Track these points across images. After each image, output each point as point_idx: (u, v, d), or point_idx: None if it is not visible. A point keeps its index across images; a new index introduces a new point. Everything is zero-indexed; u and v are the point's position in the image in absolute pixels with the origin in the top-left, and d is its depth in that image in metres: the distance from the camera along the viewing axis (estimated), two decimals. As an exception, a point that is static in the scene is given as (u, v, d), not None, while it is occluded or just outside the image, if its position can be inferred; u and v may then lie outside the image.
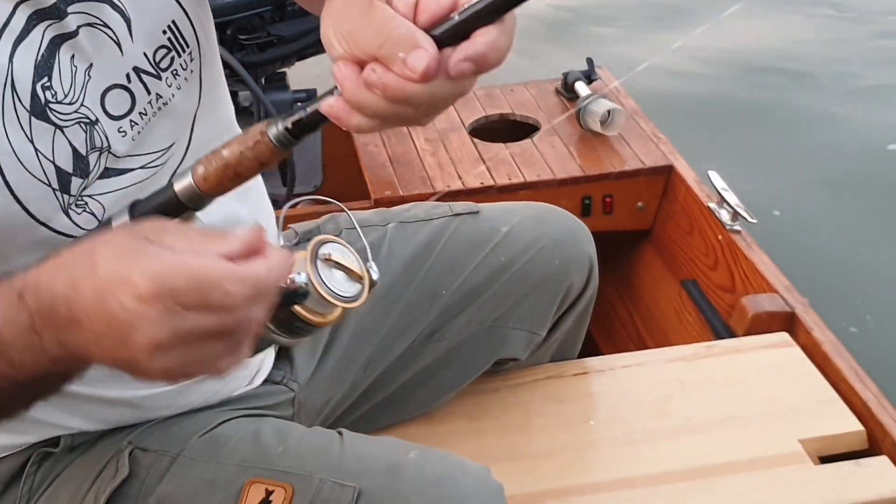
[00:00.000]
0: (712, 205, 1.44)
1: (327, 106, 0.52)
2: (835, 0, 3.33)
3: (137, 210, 0.58)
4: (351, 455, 0.73)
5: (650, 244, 1.64)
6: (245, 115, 1.54)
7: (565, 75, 1.78)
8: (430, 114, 0.52)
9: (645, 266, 1.66)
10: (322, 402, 0.91)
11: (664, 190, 1.58)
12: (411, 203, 1.05)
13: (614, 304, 1.71)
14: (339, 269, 0.65)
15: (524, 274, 0.99)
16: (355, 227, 0.83)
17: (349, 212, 0.70)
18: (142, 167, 0.69)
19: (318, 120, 0.53)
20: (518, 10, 0.50)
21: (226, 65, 0.83)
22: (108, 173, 0.67)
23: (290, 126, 0.54)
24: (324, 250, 0.64)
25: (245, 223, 0.79)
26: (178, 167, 0.72)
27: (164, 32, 0.69)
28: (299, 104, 0.55)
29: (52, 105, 0.62)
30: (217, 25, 0.77)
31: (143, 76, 0.68)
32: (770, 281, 1.28)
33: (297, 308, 0.62)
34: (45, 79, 0.61)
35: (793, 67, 2.93)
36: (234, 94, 1.28)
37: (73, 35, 0.63)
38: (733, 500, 0.97)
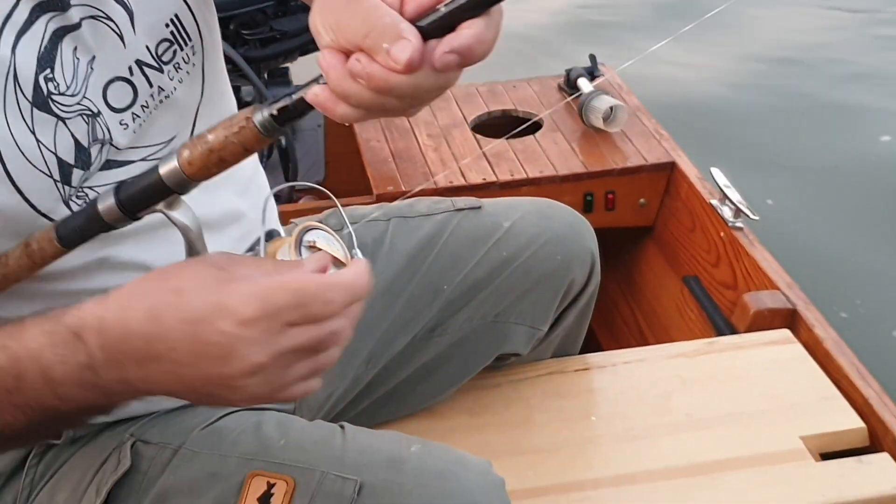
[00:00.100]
0: (714, 201, 1.44)
1: (313, 95, 0.51)
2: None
3: (123, 192, 0.58)
4: (353, 448, 0.73)
5: (652, 241, 1.64)
6: (247, 111, 1.53)
7: (568, 72, 1.78)
8: (416, 105, 0.52)
9: (647, 263, 1.66)
10: (323, 396, 0.91)
11: (666, 186, 1.58)
12: (414, 198, 1.05)
13: (616, 300, 1.71)
14: None
15: (526, 269, 0.99)
16: (357, 222, 0.83)
17: (339, 202, 0.70)
18: (142, 159, 0.69)
19: (304, 108, 0.53)
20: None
21: (228, 60, 0.83)
22: (108, 165, 0.67)
23: (275, 113, 0.53)
24: (308, 237, 0.64)
25: (246, 217, 0.80)
26: None
27: (167, 26, 0.69)
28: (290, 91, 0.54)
29: (54, 96, 0.62)
30: (220, 20, 0.77)
31: (146, 69, 0.68)
32: (772, 278, 1.28)
33: None
34: (48, 70, 0.62)
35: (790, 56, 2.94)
36: (236, 90, 1.28)
37: (75, 27, 0.63)
38: (734, 496, 0.97)
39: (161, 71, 0.69)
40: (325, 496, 0.69)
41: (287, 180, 1.55)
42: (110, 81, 0.66)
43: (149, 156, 0.70)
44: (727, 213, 1.41)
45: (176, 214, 0.59)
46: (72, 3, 0.63)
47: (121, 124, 0.67)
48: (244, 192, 0.81)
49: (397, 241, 0.97)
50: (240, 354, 0.50)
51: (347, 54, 0.50)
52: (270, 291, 0.51)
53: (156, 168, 0.57)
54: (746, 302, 1.25)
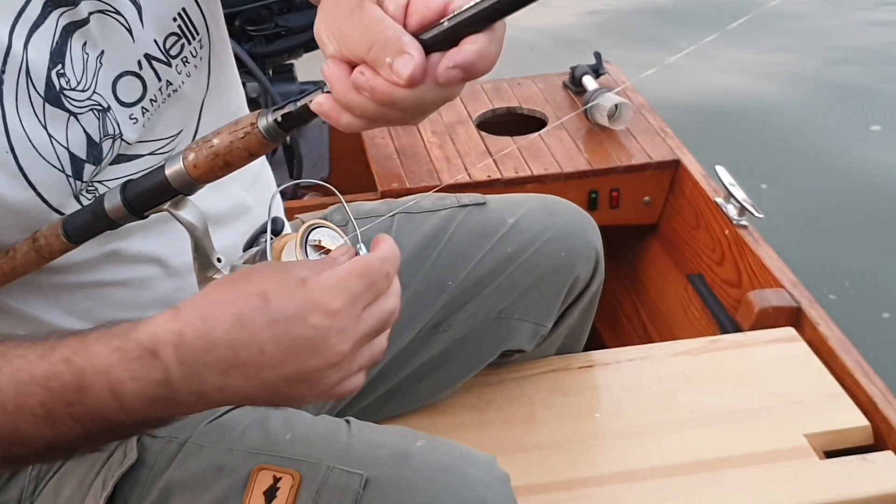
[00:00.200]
0: (719, 199, 1.44)
1: (317, 104, 0.52)
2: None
3: (129, 191, 0.59)
4: (358, 443, 0.73)
5: (656, 238, 1.64)
6: (253, 106, 1.53)
7: (573, 69, 1.78)
8: (419, 116, 0.53)
9: (651, 260, 1.66)
10: (328, 391, 0.91)
11: (671, 184, 1.58)
12: (418, 194, 1.05)
13: (620, 298, 1.71)
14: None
15: (530, 265, 0.99)
16: (361, 218, 0.83)
17: (343, 198, 0.70)
18: (151, 153, 0.70)
19: (308, 115, 0.54)
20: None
21: (233, 56, 0.83)
22: (118, 159, 0.67)
23: (279, 119, 0.54)
24: (313, 236, 0.64)
25: (252, 211, 0.80)
26: None
27: (175, 20, 0.69)
28: (301, 94, 0.55)
29: (66, 92, 0.62)
30: (225, 16, 0.77)
31: (154, 63, 0.68)
32: (776, 276, 1.28)
33: None
34: (60, 66, 0.62)
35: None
36: (241, 86, 1.28)
37: (85, 22, 0.63)
38: (738, 493, 0.97)
39: (169, 65, 0.69)
40: (331, 490, 0.69)
41: (292, 176, 1.55)
42: (120, 76, 0.66)
43: (156, 150, 0.70)
44: (732, 210, 1.41)
45: (182, 213, 0.59)
46: None
47: (130, 118, 0.67)
48: (251, 186, 0.81)
49: (402, 237, 0.97)
50: (328, 346, 0.53)
51: (351, 64, 0.51)
52: (347, 279, 0.54)
53: (161, 168, 0.58)
54: (751, 300, 1.25)
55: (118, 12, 0.65)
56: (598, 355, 1.17)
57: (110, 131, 0.66)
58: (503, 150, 1.59)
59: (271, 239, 0.63)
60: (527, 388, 1.11)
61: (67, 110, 0.63)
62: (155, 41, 0.68)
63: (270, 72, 1.62)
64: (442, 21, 0.49)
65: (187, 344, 0.53)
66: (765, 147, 2.49)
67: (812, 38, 3.14)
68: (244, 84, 1.59)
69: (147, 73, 0.68)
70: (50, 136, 0.62)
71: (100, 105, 0.65)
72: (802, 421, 1.05)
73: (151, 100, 0.68)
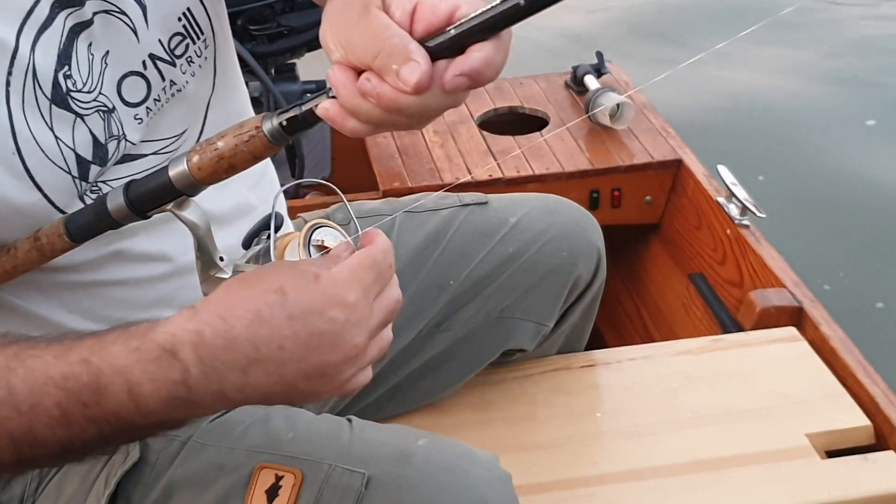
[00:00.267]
0: (721, 199, 1.44)
1: (323, 109, 0.53)
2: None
3: (133, 191, 0.59)
4: (360, 442, 0.73)
5: (658, 238, 1.64)
6: (255, 106, 1.53)
7: (575, 69, 1.77)
8: (424, 122, 0.53)
9: (653, 260, 1.66)
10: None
11: (673, 184, 1.58)
12: (420, 193, 1.05)
13: (622, 297, 1.71)
14: None
15: (532, 265, 0.99)
16: (363, 216, 0.83)
17: (345, 197, 0.70)
18: (154, 153, 0.70)
19: (313, 119, 0.54)
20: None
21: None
22: (122, 159, 0.67)
23: (284, 123, 0.54)
24: (317, 236, 0.64)
25: (256, 211, 0.80)
26: None
27: (179, 20, 0.69)
28: (306, 96, 0.56)
29: (72, 93, 0.63)
30: (228, 16, 0.77)
31: (159, 63, 0.68)
32: (778, 276, 1.28)
33: None
34: (67, 67, 0.62)
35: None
36: (245, 85, 1.29)
37: (90, 23, 0.64)
38: (739, 493, 0.97)
39: (174, 65, 0.69)
40: (333, 489, 0.69)
41: (294, 176, 1.55)
42: (124, 76, 0.66)
43: (160, 149, 0.70)
44: (734, 210, 1.41)
45: (185, 213, 0.59)
46: None
47: (135, 119, 0.67)
48: (256, 186, 0.81)
49: (403, 236, 0.97)
50: (346, 339, 0.54)
51: (357, 70, 0.51)
52: (358, 271, 0.55)
53: (165, 170, 0.58)
54: (752, 299, 1.25)
55: (123, 12, 0.65)
56: (599, 355, 1.17)
57: (115, 132, 0.66)
58: (505, 149, 1.59)
59: (274, 237, 0.63)
60: (528, 388, 1.11)
61: (74, 112, 0.63)
62: (160, 41, 0.68)
63: (273, 71, 1.62)
64: (448, 29, 0.49)
65: (207, 343, 0.53)
66: (762, 141, 2.50)
67: (809, 33, 3.14)
68: (247, 83, 1.59)
69: (151, 73, 0.68)
70: (56, 137, 0.62)
71: (105, 106, 0.65)
72: (804, 421, 1.05)
73: (155, 100, 0.68)
